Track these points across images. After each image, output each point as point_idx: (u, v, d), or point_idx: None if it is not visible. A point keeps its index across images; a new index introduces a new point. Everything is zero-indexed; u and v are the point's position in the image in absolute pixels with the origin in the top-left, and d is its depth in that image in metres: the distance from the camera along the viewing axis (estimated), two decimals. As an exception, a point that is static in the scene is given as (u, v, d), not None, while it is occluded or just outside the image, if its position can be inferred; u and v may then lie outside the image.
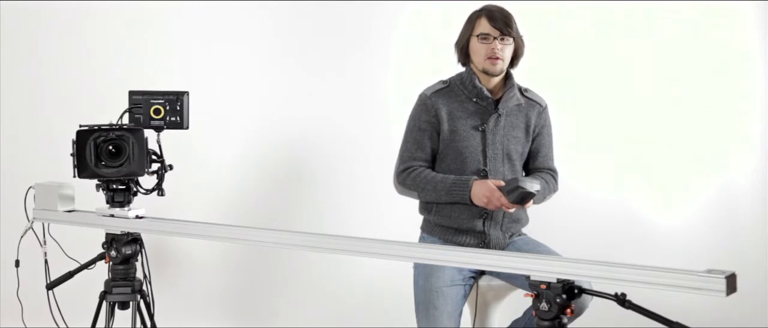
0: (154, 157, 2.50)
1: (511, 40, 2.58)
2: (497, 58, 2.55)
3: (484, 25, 2.57)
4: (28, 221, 2.52)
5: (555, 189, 2.72)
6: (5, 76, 3.55)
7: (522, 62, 2.66)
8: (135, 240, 2.51)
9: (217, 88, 3.57)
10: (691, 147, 3.66)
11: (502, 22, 2.55)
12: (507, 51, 2.58)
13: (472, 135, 2.59)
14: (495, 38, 2.55)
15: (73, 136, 2.39)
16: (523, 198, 2.37)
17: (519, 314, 2.62)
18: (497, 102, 2.61)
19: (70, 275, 2.56)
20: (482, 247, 2.59)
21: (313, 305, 3.64)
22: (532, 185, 2.35)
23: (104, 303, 2.51)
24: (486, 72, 2.58)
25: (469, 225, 2.59)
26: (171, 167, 2.53)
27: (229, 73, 3.61)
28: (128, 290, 2.50)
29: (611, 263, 1.78)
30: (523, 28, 2.63)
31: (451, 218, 2.60)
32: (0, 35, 3.54)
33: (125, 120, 2.51)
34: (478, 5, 2.65)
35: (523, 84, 2.70)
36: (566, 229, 3.48)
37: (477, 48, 2.58)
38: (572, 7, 3.57)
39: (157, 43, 3.60)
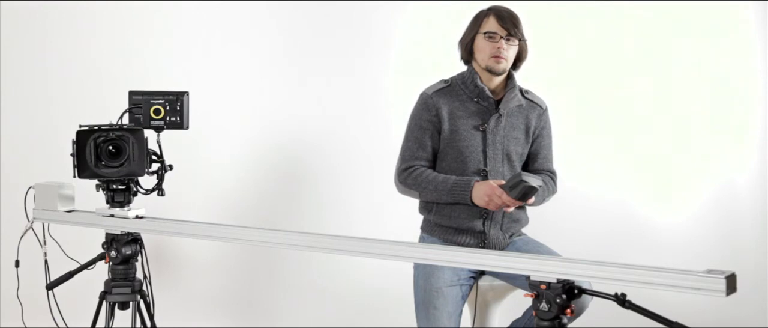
0: (154, 157, 2.50)
1: (517, 41, 2.58)
2: (502, 57, 2.55)
3: (491, 24, 2.57)
4: (28, 221, 2.52)
5: (554, 191, 2.72)
6: (5, 76, 3.55)
7: (523, 63, 2.66)
8: (135, 240, 2.50)
9: (217, 88, 3.57)
10: (691, 147, 3.66)
11: (510, 22, 2.56)
12: (511, 51, 2.58)
13: (472, 135, 2.59)
14: (501, 37, 2.55)
15: (73, 136, 2.38)
16: (525, 193, 2.37)
17: (519, 314, 2.62)
18: (498, 102, 2.61)
19: (70, 275, 2.55)
20: (482, 247, 2.59)
21: (313, 305, 3.64)
22: (535, 180, 2.35)
23: (104, 303, 2.50)
24: (489, 70, 2.58)
25: (468, 225, 2.58)
26: (171, 167, 2.53)
27: (229, 73, 3.61)
28: (128, 290, 2.50)
29: (611, 263, 1.78)
30: (525, 29, 2.62)
31: (451, 218, 2.60)
32: (0, 35, 3.54)
33: (125, 120, 2.51)
34: (479, 5, 2.65)
35: (524, 85, 2.70)
36: (566, 229, 3.48)
37: (482, 46, 2.58)
38: (573, 8, 3.57)
39: (157, 43, 3.60)
